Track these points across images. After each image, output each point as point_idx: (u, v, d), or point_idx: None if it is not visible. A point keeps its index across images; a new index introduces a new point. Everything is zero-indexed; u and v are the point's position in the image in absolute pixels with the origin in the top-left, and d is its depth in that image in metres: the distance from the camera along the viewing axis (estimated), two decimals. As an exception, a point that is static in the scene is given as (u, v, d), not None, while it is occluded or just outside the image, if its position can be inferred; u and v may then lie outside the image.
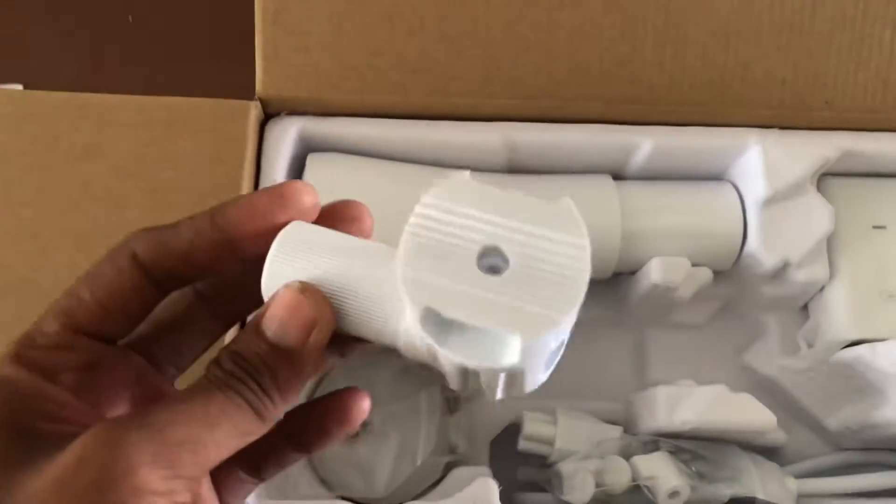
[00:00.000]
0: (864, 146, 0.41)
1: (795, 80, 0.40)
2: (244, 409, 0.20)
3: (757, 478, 0.38)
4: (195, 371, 0.23)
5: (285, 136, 0.40)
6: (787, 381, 0.43)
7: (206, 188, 0.38)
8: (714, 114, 0.41)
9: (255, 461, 0.24)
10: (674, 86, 0.40)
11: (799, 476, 0.41)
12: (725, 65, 0.40)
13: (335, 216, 0.23)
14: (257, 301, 0.22)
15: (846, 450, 0.43)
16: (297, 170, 0.41)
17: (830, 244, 0.41)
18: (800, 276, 0.41)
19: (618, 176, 0.43)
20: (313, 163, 0.40)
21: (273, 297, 0.21)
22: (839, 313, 0.41)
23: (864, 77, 0.40)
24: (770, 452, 0.42)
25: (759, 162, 0.40)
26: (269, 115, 0.41)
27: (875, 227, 0.42)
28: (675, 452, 0.38)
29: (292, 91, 0.39)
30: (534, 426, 0.40)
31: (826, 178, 0.43)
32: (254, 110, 0.39)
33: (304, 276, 0.21)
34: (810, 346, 0.42)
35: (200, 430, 0.19)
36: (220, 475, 0.23)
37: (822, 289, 0.42)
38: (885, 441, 0.41)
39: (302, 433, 0.24)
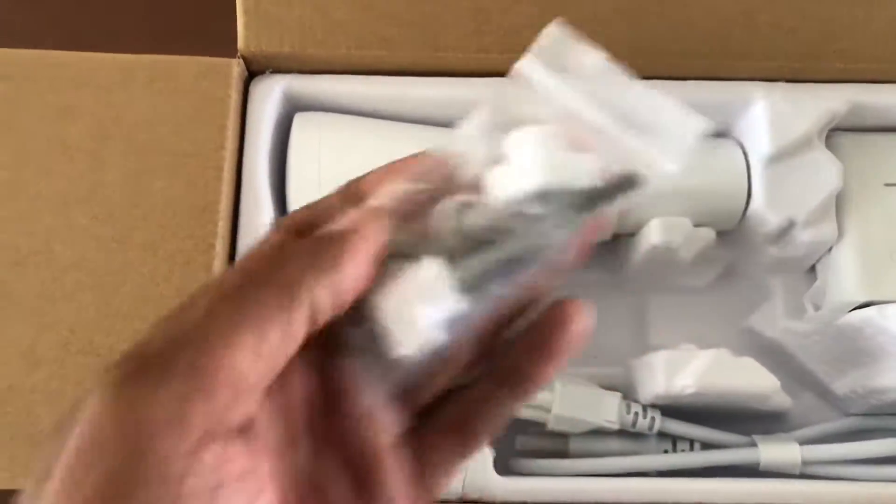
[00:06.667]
0: (876, 99, 0.39)
1: (803, 29, 0.38)
2: None
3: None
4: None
5: (270, 95, 0.39)
6: (792, 344, 0.42)
7: (187, 149, 0.37)
8: (717, 66, 0.39)
9: (465, 419, 0.22)
10: (675, 36, 0.38)
11: (805, 442, 0.40)
12: (728, 14, 0.38)
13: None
14: None
15: (853, 415, 0.42)
16: (284, 130, 0.39)
17: (839, 203, 0.39)
18: (806, 235, 0.39)
19: (617, 133, 0.41)
20: (300, 123, 0.39)
21: None
22: (847, 274, 0.39)
23: (877, 26, 0.38)
24: (775, 418, 0.41)
25: (763, 117, 0.38)
26: (252, 72, 0.39)
27: (887, 184, 0.40)
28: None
29: (275, 47, 0.38)
30: (529, 392, 0.38)
31: (835, 133, 0.41)
32: (236, 67, 0.38)
33: None
34: (817, 308, 0.41)
35: None
36: (425, 446, 0.21)
37: (829, 249, 0.40)
38: (892, 406, 0.39)
39: (513, 371, 0.22)
